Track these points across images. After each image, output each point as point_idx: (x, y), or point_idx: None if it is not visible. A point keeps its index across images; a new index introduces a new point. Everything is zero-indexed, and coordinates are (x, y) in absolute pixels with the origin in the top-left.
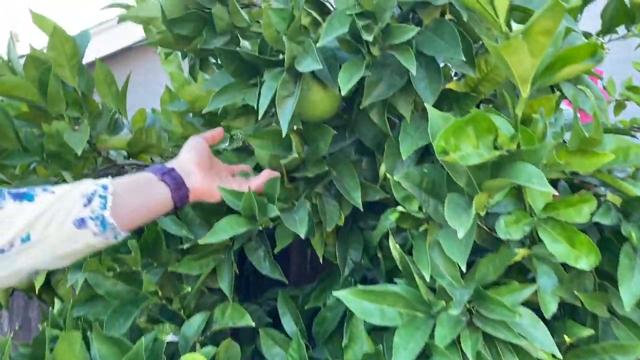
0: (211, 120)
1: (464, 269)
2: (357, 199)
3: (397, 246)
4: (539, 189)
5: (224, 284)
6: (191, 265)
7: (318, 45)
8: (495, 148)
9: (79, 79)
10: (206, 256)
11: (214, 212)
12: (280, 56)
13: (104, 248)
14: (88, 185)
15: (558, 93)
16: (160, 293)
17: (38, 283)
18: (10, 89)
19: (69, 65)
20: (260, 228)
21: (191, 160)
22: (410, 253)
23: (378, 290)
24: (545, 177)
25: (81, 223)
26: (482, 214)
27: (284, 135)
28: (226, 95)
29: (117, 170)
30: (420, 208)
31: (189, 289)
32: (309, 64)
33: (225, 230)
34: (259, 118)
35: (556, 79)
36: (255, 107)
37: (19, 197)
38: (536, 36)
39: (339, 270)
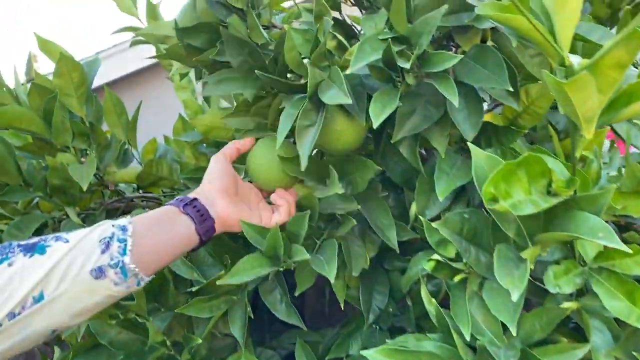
0: None
1: (514, 332)
2: (392, 239)
3: (433, 300)
4: (608, 244)
5: (236, 329)
6: (201, 307)
7: (347, 72)
8: (549, 194)
9: (87, 108)
10: (217, 298)
11: (226, 248)
12: (302, 80)
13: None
14: (105, 227)
15: (607, 127)
16: (168, 342)
17: None
18: (13, 120)
19: (76, 94)
20: (282, 269)
21: (214, 187)
22: (443, 304)
23: (410, 350)
24: (613, 231)
25: (99, 273)
26: (532, 267)
27: (302, 168)
28: (224, 86)
29: (125, 204)
30: (457, 255)
31: (199, 340)
32: (335, 96)
33: (246, 272)
34: (277, 147)
35: (620, 117)
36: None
37: (29, 250)
38: (606, 70)
39: (363, 314)
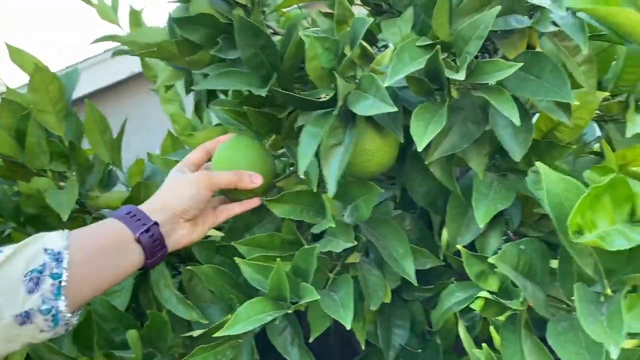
0: None
1: None
2: (409, 270)
3: (485, 345)
4: None
5: None
6: (206, 357)
7: (385, 85)
8: (632, 222)
9: (66, 126)
10: (222, 344)
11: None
12: (323, 95)
13: None
14: (34, 254)
15: None
16: None
17: None
18: None
19: (54, 110)
20: (291, 311)
21: (181, 214)
22: (478, 341)
23: None
24: None
25: (25, 318)
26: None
27: (330, 195)
28: (228, 80)
29: None
30: (500, 290)
31: None
32: (371, 106)
33: (248, 318)
34: (300, 174)
35: None
36: None
37: None
38: None
39: (381, 350)
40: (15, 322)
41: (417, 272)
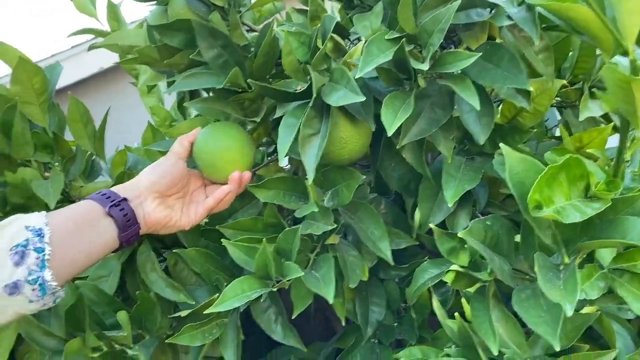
0: None
1: (558, 347)
2: (385, 251)
3: (457, 314)
4: None
5: (229, 355)
6: (193, 335)
7: (357, 76)
8: (586, 197)
9: (49, 118)
10: (209, 323)
11: (214, 265)
12: (297, 87)
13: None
14: (16, 231)
15: (611, 124)
16: None
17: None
18: None
19: (37, 101)
20: (275, 289)
21: (148, 187)
22: (450, 314)
23: None
24: None
25: (14, 289)
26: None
27: (310, 182)
28: (195, 79)
29: None
30: (470, 264)
31: None
32: (343, 97)
33: (235, 295)
34: (280, 163)
35: None
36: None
37: None
38: None
39: (359, 327)
40: (4, 292)
41: (393, 252)
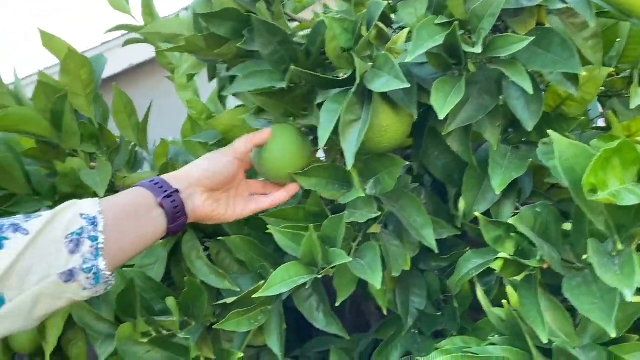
0: None
1: (613, 333)
2: (429, 239)
3: (504, 302)
4: None
5: (274, 342)
6: (239, 321)
7: (407, 60)
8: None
9: (95, 109)
10: (254, 310)
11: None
12: (341, 75)
13: None
14: (71, 219)
15: None
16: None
17: (49, 348)
18: (17, 123)
19: (84, 93)
20: (321, 276)
21: (200, 181)
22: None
23: (480, 355)
24: None
25: (69, 276)
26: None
27: (349, 167)
28: (254, 80)
29: None
30: (516, 252)
31: (241, 354)
32: (386, 84)
33: (282, 281)
34: (320, 147)
35: None
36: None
37: None
38: None
39: (399, 319)
40: (60, 279)
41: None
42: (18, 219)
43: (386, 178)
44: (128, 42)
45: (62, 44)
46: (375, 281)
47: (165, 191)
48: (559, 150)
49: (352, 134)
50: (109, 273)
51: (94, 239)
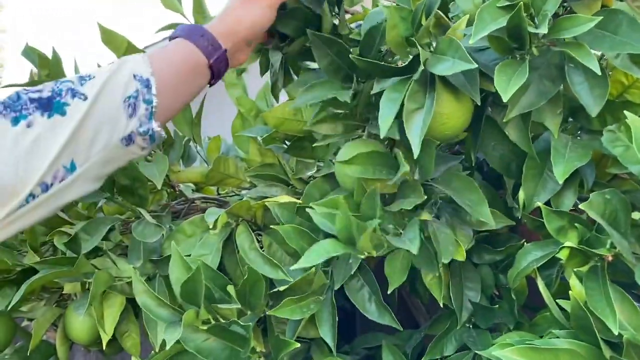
0: (295, 146)
1: None
2: (486, 215)
3: (571, 293)
4: None
5: (326, 332)
6: (293, 309)
7: (470, 42)
8: None
9: None
10: (307, 298)
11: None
12: (400, 62)
13: None
14: (127, 81)
15: None
16: (258, 349)
17: (105, 338)
18: None
19: None
20: (362, 256)
21: (247, 38)
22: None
23: (547, 348)
24: None
25: (129, 140)
26: None
27: (416, 156)
28: (315, 92)
29: (188, 205)
30: (581, 242)
31: (297, 344)
32: (451, 67)
33: (320, 252)
34: (382, 135)
35: None
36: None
37: (45, 107)
38: None
39: (452, 314)
40: (121, 144)
41: (486, 236)
42: (72, 81)
43: (426, 160)
44: None
45: (121, 40)
46: (412, 247)
47: (217, 50)
48: (636, 132)
49: (417, 122)
50: (163, 133)
51: (148, 102)
